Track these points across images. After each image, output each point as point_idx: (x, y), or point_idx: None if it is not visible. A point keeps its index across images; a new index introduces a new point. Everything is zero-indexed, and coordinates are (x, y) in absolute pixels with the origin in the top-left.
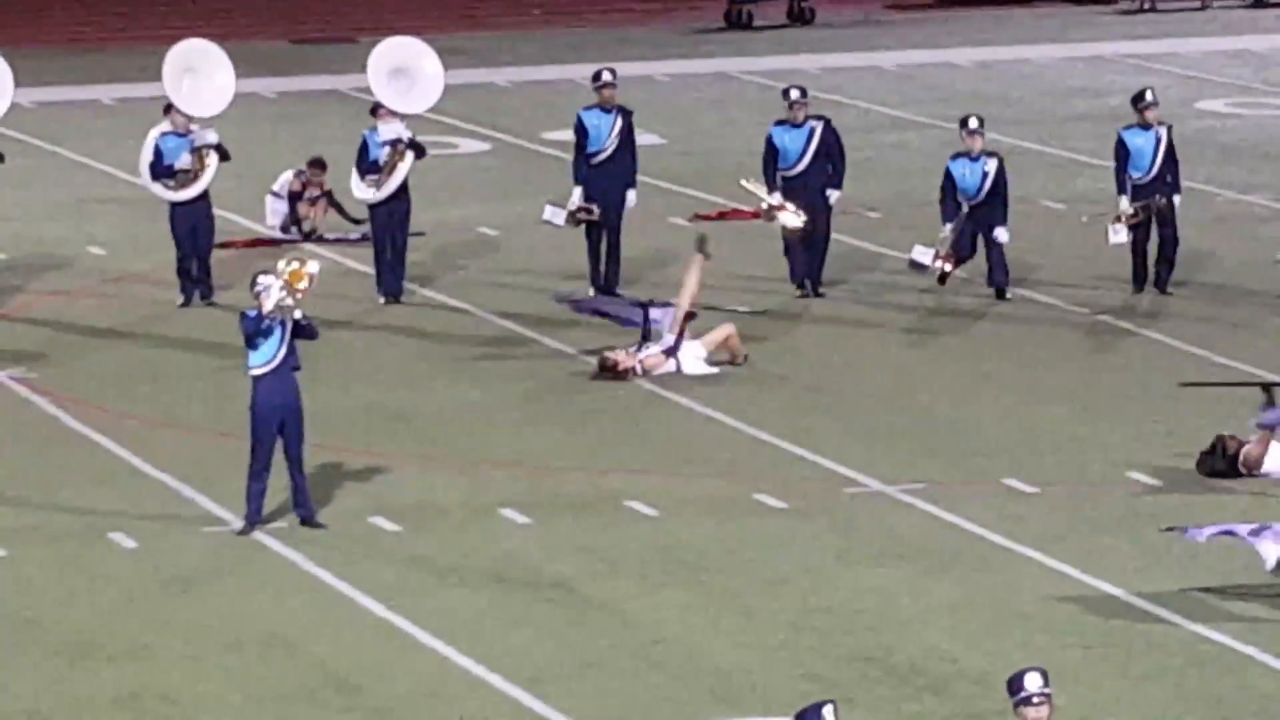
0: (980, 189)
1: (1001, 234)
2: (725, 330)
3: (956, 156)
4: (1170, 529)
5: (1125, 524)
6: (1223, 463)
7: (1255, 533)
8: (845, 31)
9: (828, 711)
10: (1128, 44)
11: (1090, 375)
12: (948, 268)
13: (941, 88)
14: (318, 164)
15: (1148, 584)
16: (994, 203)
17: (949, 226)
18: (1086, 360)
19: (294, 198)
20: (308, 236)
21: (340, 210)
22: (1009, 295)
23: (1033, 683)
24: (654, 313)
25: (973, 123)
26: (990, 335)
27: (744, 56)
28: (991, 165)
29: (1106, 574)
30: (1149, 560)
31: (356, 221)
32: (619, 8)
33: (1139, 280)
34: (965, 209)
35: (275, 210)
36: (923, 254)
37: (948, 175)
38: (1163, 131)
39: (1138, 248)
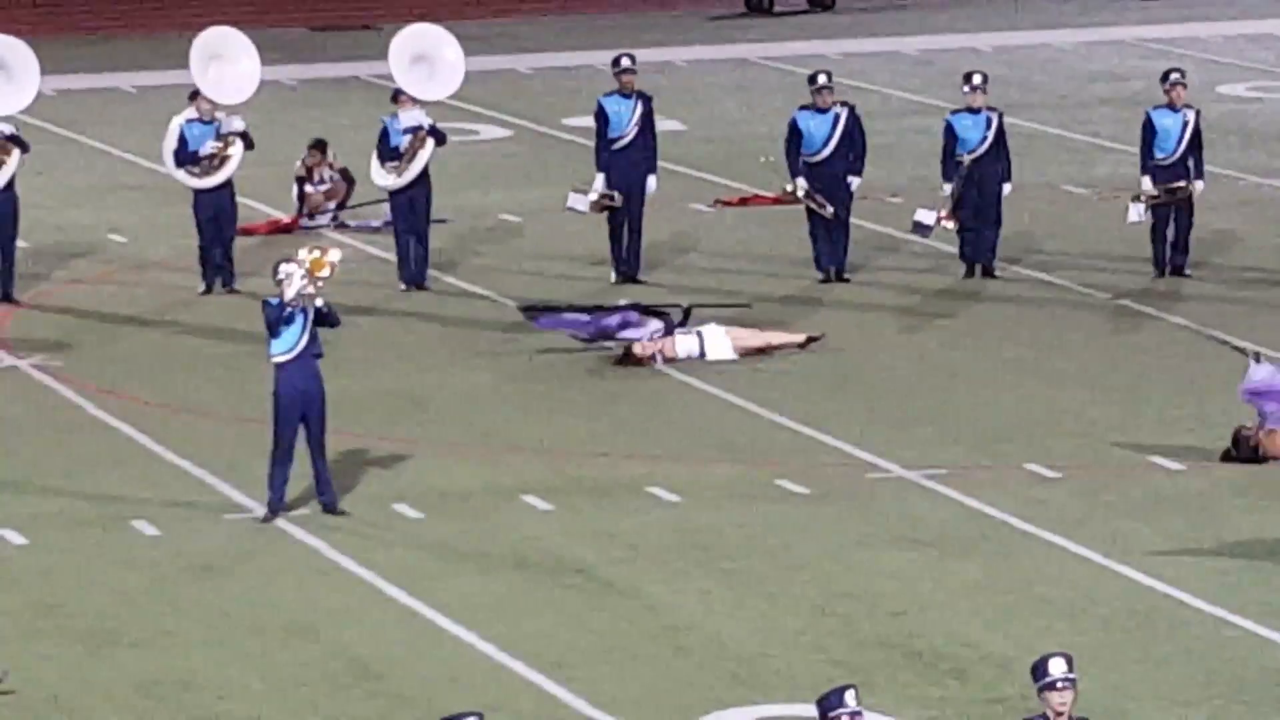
0: (982, 141)
1: (1006, 188)
2: (760, 340)
3: (957, 112)
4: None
5: (1147, 508)
6: (1246, 453)
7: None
8: (866, 16)
9: (849, 695)
10: (1149, 28)
11: (1111, 359)
12: (950, 225)
13: (962, 73)
14: (318, 146)
15: (1169, 568)
16: (997, 155)
17: (949, 186)
18: (1107, 344)
19: (300, 182)
20: (337, 220)
21: (347, 193)
22: (998, 274)
23: (1057, 668)
24: (633, 318)
25: (976, 79)
26: (1011, 320)
27: (765, 42)
28: (994, 119)
29: (1128, 558)
30: (1171, 544)
31: (377, 202)
32: None
33: (1160, 264)
34: (965, 166)
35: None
36: (926, 215)
37: (949, 130)
38: (1191, 115)
39: (1158, 231)
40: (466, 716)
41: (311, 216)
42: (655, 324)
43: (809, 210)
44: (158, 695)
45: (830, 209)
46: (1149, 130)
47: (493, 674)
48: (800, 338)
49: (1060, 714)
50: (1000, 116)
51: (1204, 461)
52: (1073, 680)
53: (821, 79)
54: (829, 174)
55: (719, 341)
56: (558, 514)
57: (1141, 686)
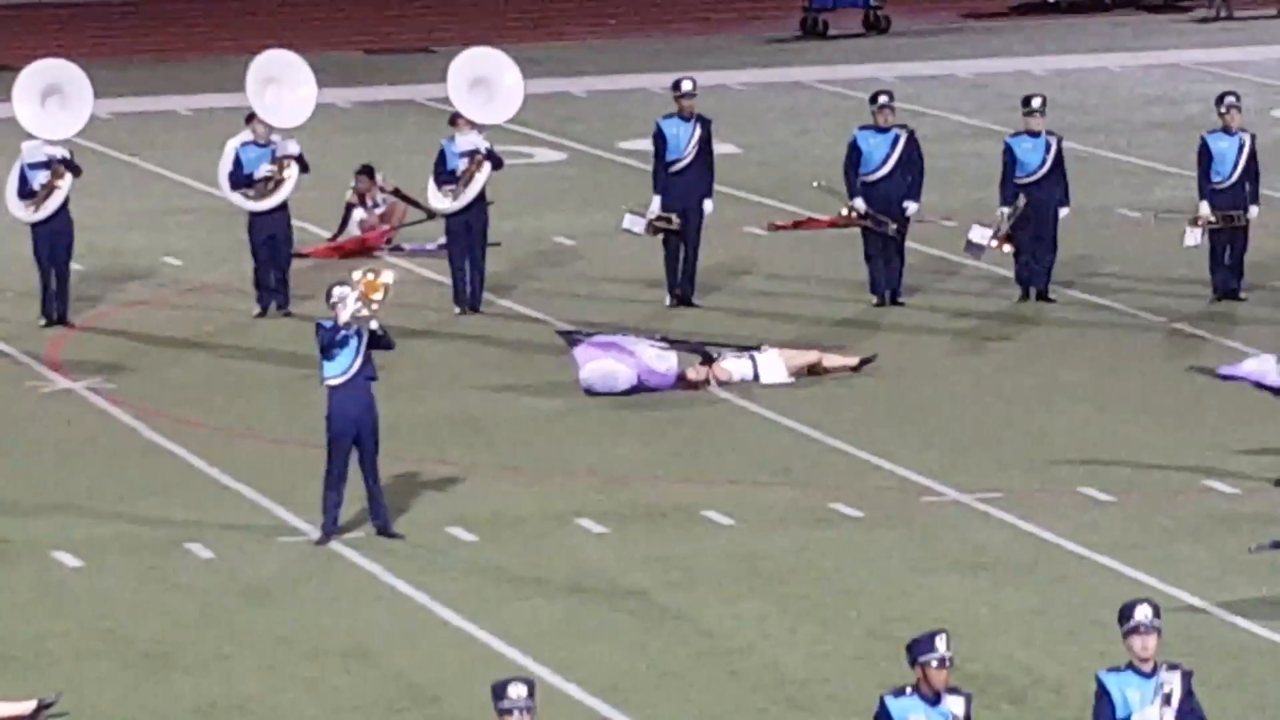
0: (1041, 165)
1: (1063, 212)
2: (812, 356)
3: (1017, 135)
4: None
5: (1202, 532)
6: None
7: None
8: (920, 40)
9: (940, 640)
10: (1204, 52)
11: (1167, 383)
12: (1006, 249)
13: (1017, 96)
14: (366, 172)
15: (1225, 592)
16: (1055, 179)
17: (1007, 210)
18: (1163, 368)
19: (349, 208)
20: (391, 244)
21: (413, 203)
22: (1053, 297)
23: (1142, 613)
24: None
25: (1035, 102)
26: (1067, 343)
27: (819, 65)
28: (1053, 143)
29: (1184, 582)
30: (1226, 569)
31: (430, 214)
32: (695, 17)
33: (1216, 288)
34: (1022, 199)
35: (357, 220)
36: (980, 235)
37: (1008, 153)
38: (1246, 139)
39: (1216, 255)
40: (515, 681)
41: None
42: (671, 358)
43: (865, 233)
44: (213, 719)
45: (892, 226)
46: (1205, 155)
47: (548, 698)
48: (854, 360)
49: (1144, 659)
50: (1059, 141)
51: (1260, 485)
52: (1157, 627)
53: (883, 99)
54: (885, 194)
55: (773, 364)
56: (612, 538)
57: None
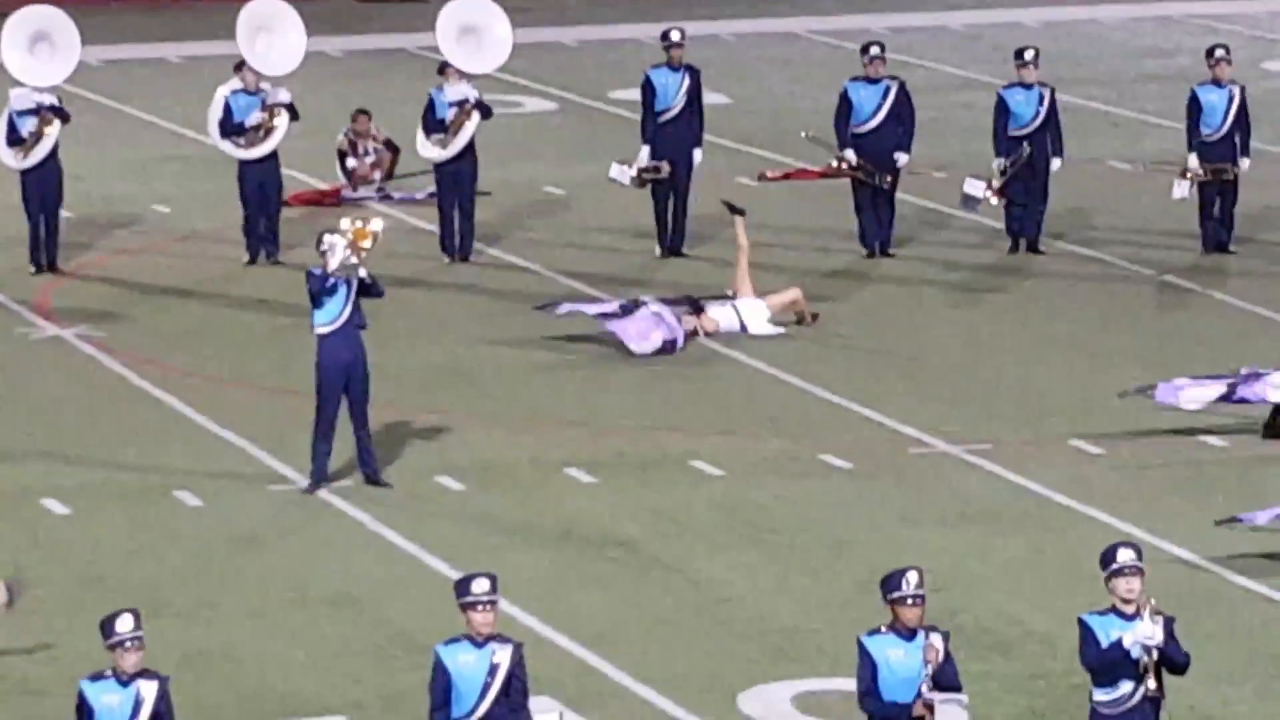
0: (1034, 117)
1: (1055, 163)
2: (791, 294)
3: (1010, 87)
4: (1226, 520)
5: (1192, 485)
6: None
7: None
8: None
9: (910, 576)
10: (1196, 4)
11: (1156, 336)
12: (995, 201)
13: (1009, 48)
14: (364, 113)
15: (1214, 545)
16: (1048, 131)
17: (1002, 160)
18: (1153, 320)
19: (343, 156)
20: (382, 192)
21: (394, 155)
22: (1043, 249)
23: (1125, 555)
24: (649, 308)
25: (1028, 54)
26: (1057, 295)
27: (811, 15)
28: (1045, 95)
29: (1173, 535)
30: (1215, 520)
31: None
32: None
33: (1206, 241)
34: (1025, 148)
35: (348, 169)
36: (974, 187)
37: (1000, 104)
38: (1236, 90)
39: (1205, 208)
40: (478, 576)
41: (356, 188)
42: (670, 315)
43: (855, 184)
44: (200, 667)
45: (885, 178)
46: (1194, 107)
47: (536, 648)
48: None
49: (1128, 601)
50: (1052, 92)
51: (1248, 437)
52: (1140, 568)
53: (874, 50)
54: (876, 146)
55: (753, 308)
56: (602, 488)
57: None
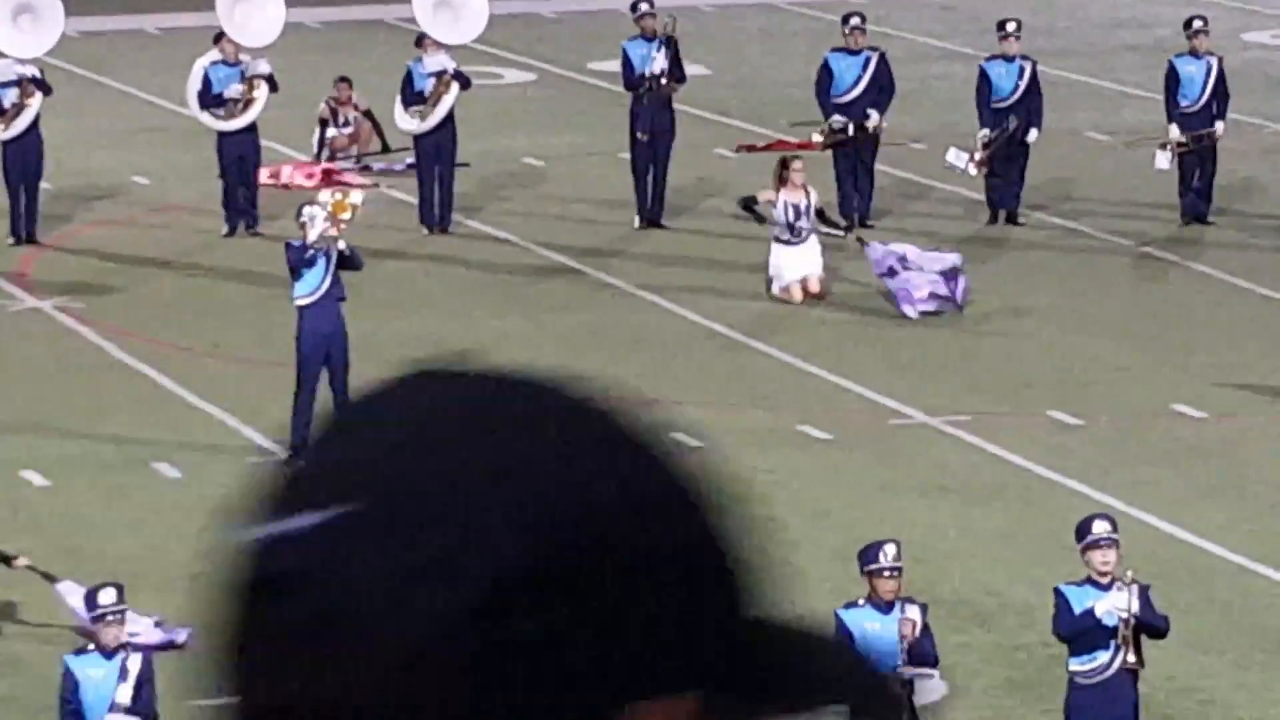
0: (1014, 90)
1: (1032, 134)
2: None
3: (992, 59)
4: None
5: (1170, 456)
6: None
7: None
8: None
9: (888, 549)
10: None
11: (1135, 307)
12: (974, 172)
13: (987, 19)
14: (345, 81)
15: (1193, 516)
16: (1028, 103)
17: (986, 132)
18: (1132, 292)
19: (323, 124)
20: (360, 164)
21: (379, 133)
22: (1022, 220)
23: (1100, 527)
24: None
25: (1010, 26)
26: (1036, 266)
27: None
28: (1027, 67)
29: (1152, 506)
30: (1194, 493)
31: (388, 149)
32: None
33: (1186, 212)
34: (1012, 121)
35: (327, 139)
36: (957, 156)
37: (983, 76)
38: (1214, 61)
39: (1186, 180)
40: None
41: (334, 159)
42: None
43: (835, 155)
44: None
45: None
46: (1173, 78)
47: None
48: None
49: (1104, 573)
50: (1034, 65)
51: (1227, 409)
52: (1115, 540)
53: (855, 21)
54: (856, 117)
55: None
56: None
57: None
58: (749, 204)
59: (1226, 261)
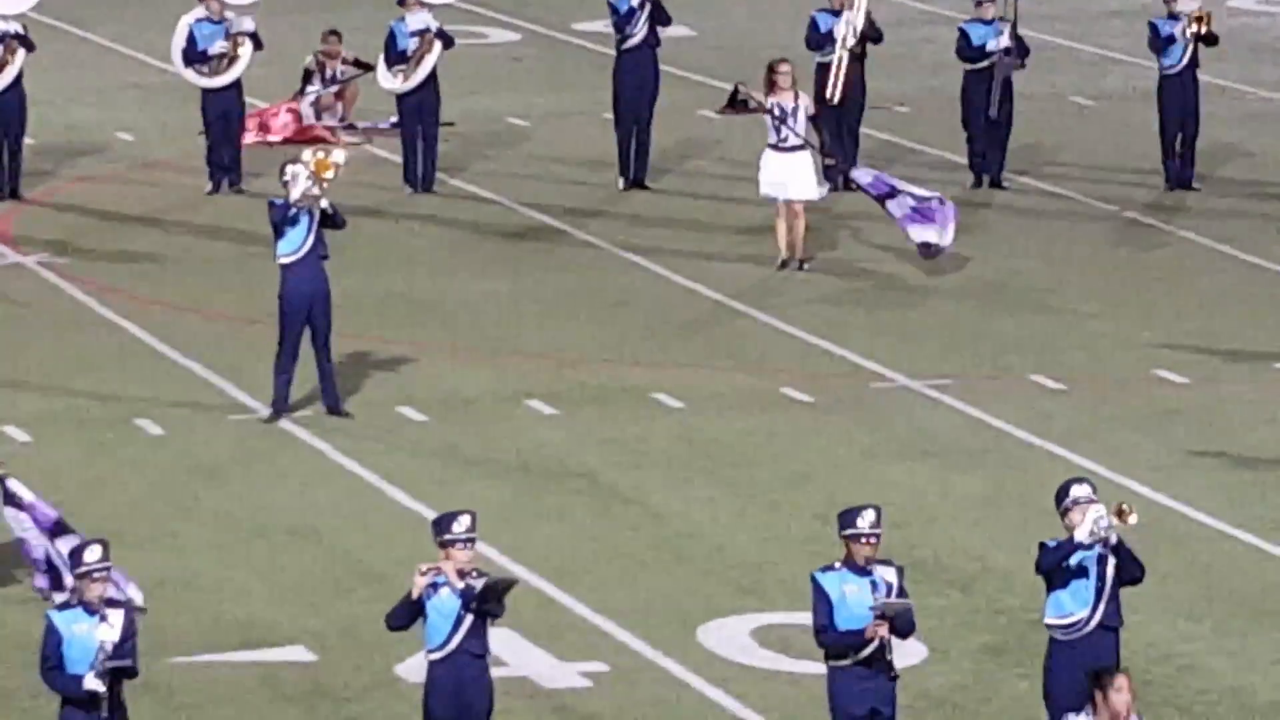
0: (996, 49)
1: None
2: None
3: (970, 22)
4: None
5: (1152, 421)
6: None
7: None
8: None
9: (867, 513)
10: None
11: (1118, 272)
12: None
13: None
14: (334, 34)
15: (1174, 481)
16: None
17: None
18: (1114, 257)
19: (308, 76)
20: (344, 122)
21: (368, 67)
22: (1006, 184)
23: (1080, 491)
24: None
25: None
26: (1019, 231)
27: None
28: (1005, 29)
29: (1133, 471)
30: (1175, 458)
31: (368, 67)
32: None
33: (1170, 177)
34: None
35: (311, 99)
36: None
37: (963, 37)
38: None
39: (1169, 145)
40: (460, 514)
41: (319, 116)
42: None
43: (819, 119)
44: (160, 596)
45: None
46: (1156, 37)
47: None
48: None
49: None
50: (1013, 25)
51: (1208, 374)
52: (1095, 502)
53: None
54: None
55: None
56: (562, 419)
57: (1144, 600)
58: (734, 97)
59: (1209, 227)
